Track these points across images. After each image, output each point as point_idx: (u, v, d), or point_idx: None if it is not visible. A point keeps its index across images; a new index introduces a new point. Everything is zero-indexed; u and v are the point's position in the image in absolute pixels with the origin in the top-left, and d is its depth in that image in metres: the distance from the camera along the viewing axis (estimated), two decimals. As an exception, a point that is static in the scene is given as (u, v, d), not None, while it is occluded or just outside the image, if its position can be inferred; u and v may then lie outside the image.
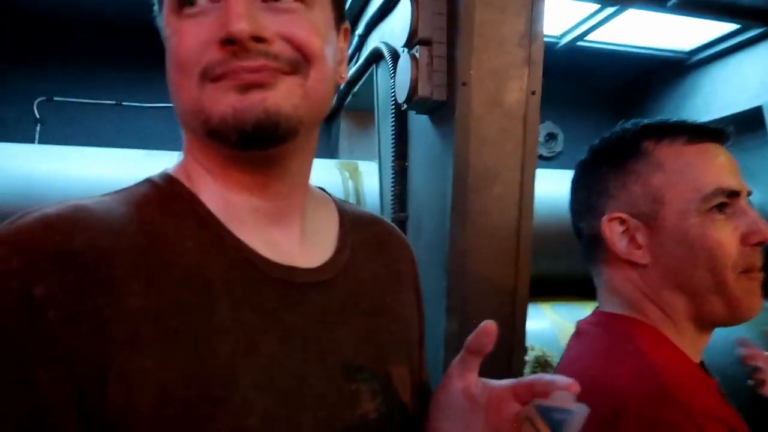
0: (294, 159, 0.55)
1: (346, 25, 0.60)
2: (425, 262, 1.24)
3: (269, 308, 0.50)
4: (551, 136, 2.46)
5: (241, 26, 0.46)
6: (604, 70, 2.48)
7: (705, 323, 0.79)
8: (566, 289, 2.04)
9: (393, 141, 1.35)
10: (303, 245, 0.57)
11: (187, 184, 0.54)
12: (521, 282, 1.13)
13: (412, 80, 1.16)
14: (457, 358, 0.56)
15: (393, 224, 0.71)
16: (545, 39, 2.21)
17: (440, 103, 1.16)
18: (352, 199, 1.70)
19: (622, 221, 0.81)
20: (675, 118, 0.84)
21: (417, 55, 1.16)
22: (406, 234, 1.32)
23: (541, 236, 1.71)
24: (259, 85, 0.48)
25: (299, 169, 0.57)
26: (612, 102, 2.61)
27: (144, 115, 2.14)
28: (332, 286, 0.56)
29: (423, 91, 1.15)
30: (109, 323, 0.43)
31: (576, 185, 0.90)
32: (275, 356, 0.49)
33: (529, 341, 1.52)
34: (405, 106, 1.23)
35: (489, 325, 0.52)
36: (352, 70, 1.79)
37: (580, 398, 0.73)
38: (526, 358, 1.50)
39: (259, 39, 0.48)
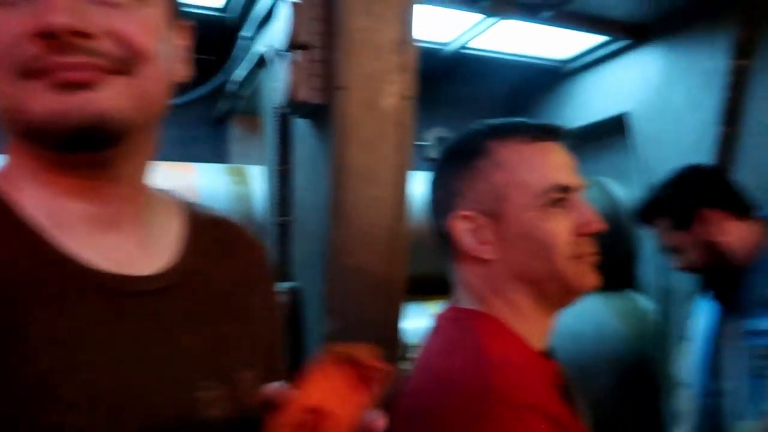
0: (127, 162, 0.53)
1: (185, 22, 0.59)
2: (309, 264, 1.26)
3: (93, 319, 0.48)
4: (441, 141, 2.55)
5: (61, 19, 0.43)
6: (490, 77, 2.60)
7: (546, 308, 0.84)
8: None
9: (277, 145, 1.35)
10: (142, 251, 0.54)
11: (5, 188, 0.50)
12: (397, 281, 1.17)
13: (291, 84, 1.17)
14: None
15: (246, 227, 0.69)
16: (431, 46, 2.29)
17: (319, 106, 1.18)
18: (240, 205, 1.69)
19: (470, 219, 0.83)
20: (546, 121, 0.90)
21: (296, 59, 1.17)
22: (288, 238, 1.33)
23: (427, 236, 1.78)
24: (83, 85, 0.46)
25: (134, 172, 0.55)
26: (498, 108, 2.75)
27: None
28: (175, 292, 0.54)
29: (302, 94, 1.16)
30: None
31: (432, 185, 0.93)
32: (100, 369, 0.46)
33: (414, 339, 1.56)
34: (286, 109, 1.24)
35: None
36: (241, 73, 1.77)
37: (424, 391, 0.77)
38: (410, 354, 1.54)
39: (82, 34, 0.45)
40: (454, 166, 0.88)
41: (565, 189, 0.82)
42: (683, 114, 2.05)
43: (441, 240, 0.89)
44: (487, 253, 0.83)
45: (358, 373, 0.47)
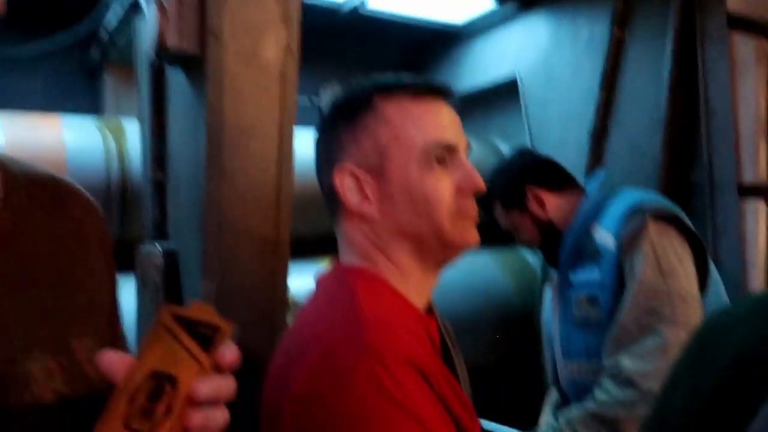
0: None
1: None
2: (184, 225, 1.19)
3: None
4: (337, 99, 2.51)
5: None
6: (390, 37, 2.58)
7: (428, 265, 0.85)
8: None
9: (150, 97, 1.25)
10: None
11: None
12: (282, 240, 1.13)
13: (158, 30, 1.07)
14: None
15: (76, 184, 0.63)
16: (329, 4, 2.23)
17: (193, 56, 1.10)
18: (116, 162, 1.57)
19: (354, 175, 0.83)
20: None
21: (163, 2, 1.08)
22: (166, 197, 1.25)
23: (318, 195, 1.75)
24: None
25: None
26: (396, 68, 2.74)
27: None
28: None
29: (172, 41, 1.07)
30: None
31: (317, 140, 0.92)
32: None
33: (300, 299, 1.55)
34: (157, 58, 1.14)
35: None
36: (115, 19, 1.62)
37: (299, 348, 0.76)
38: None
39: None
40: (339, 122, 0.86)
41: (449, 148, 0.82)
42: (568, 79, 2.14)
43: (326, 196, 0.88)
44: (369, 209, 0.82)
45: (196, 333, 0.45)
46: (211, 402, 0.45)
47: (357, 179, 0.83)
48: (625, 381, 1.26)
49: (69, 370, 0.50)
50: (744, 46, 1.75)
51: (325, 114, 0.91)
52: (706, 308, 1.36)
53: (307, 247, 1.83)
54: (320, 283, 0.88)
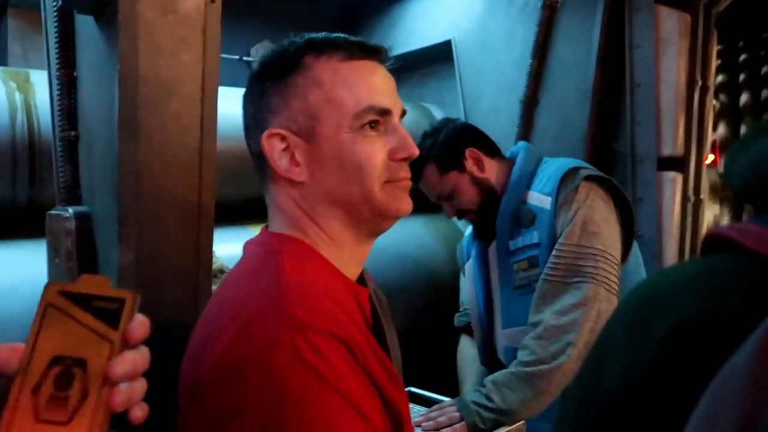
0: None
1: None
2: (99, 187, 1.11)
3: None
4: (268, 57, 2.41)
5: None
6: (323, -6, 2.49)
7: (361, 233, 0.83)
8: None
9: (57, 46, 1.14)
10: None
11: None
12: (206, 205, 1.08)
13: (64, -30, 0.97)
14: None
15: None
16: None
17: (104, 2, 1.00)
18: (22, 116, 1.43)
19: (282, 138, 0.79)
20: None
21: (69, -61, 0.97)
22: (78, 156, 1.16)
23: (246, 158, 1.69)
24: None
25: None
26: (327, 26, 2.66)
27: None
28: None
29: (80, -16, 0.98)
30: None
31: (245, 101, 0.87)
32: None
33: (229, 264, 1.50)
34: (63, 2, 1.04)
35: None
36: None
37: (219, 317, 0.73)
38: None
39: None
40: (268, 82, 0.82)
41: (383, 112, 0.80)
42: (502, 45, 2.15)
43: (255, 160, 0.84)
44: (299, 174, 0.79)
45: (93, 308, 0.41)
46: (130, 378, 0.43)
47: (286, 143, 0.79)
48: (545, 335, 1.30)
49: None
50: (669, 19, 1.80)
51: (254, 73, 0.86)
52: (627, 274, 1.42)
53: (233, 213, 1.77)
54: (247, 250, 0.85)
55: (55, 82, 1.18)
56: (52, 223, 1.14)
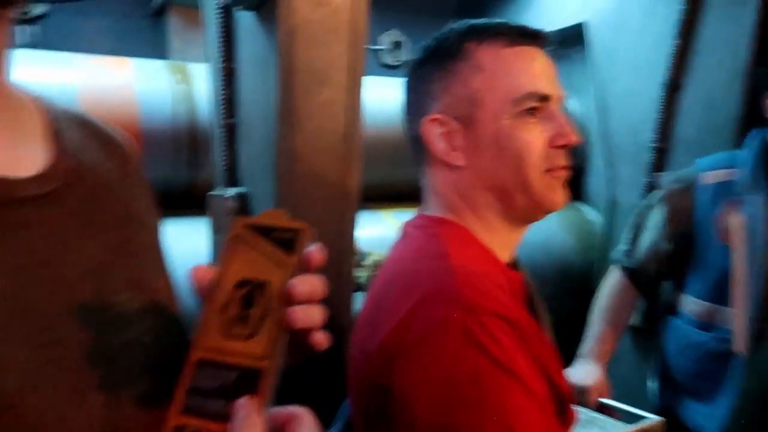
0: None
1: None
2: (255, 169, 1.21)
3: None
4: (397, 45, 2.45)
5: None
6: (448, -21, 2.48)
7: (514, 220, 0.83)
8: (410, 196, 2.14)
9: (220, 41, 1.25)
10: (9, 149, 0.45)
11: None
12: (351, 188, 1.14)
13: (232, -29, 1.06)
14: None
15: (107, 124, 0.60)
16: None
17: (265, -2, 1.08)
18: (183, 106, 1.58)
19: (442, 123, 0.80)
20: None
21: (237, -58, 1.06)
22: (235, 141, 1.26)
23: (384, 143, 1.74)
24: None
25: None
26: (457, 11, 2.64)
27: None
28: (60, 196, 0.46)
29: (245, -17, 1.06)
30: None
31: (406, 87, 0.89)
32: (9, 297, 0.40)
33: (368, 247, 1.56)
34: (228, 0, 1.14)
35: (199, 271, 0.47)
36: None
37: (387, 297, 0.76)
38: (365, 262, 1.55)
39: None
40: (430, 68, 0.83)
41: (543, 98, 0.78)
42: (640, 26, 2.02)
43: (413, 144, 0.86)
44: (457, 159, 0.80)
45: (274, 238, 0.46)
46: (307, 300, 0.45)
47: (446, 128, 0.80)
48: None
49: (155, 309, 0.50)
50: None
51: (415, 60, 0.89)
52: None
53: (373, 197, 1.83)
54: (405, 232, 0.87)
55: (216, 74, 1.29)
56: (213, 202, 1.26)
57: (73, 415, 0.41)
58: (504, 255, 0.83)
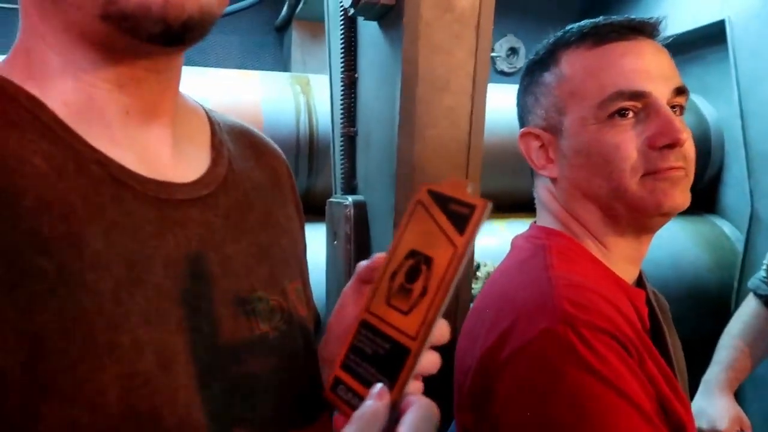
0: (180, 59, 0.50)
1: None
2: (374, 178, 1.21)
3: (149, 232, 0.44)
4: (513, 51, 2.39)
5: None
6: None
7: (623, 229, 0.77)
8: (524, 207, 2.06)
9: (342, 51, 1.27)
10: (176, 155, 0.50)
11: (21, 82, 0.44)
12: (470, 197, 1.10)
13: (357, -19, 1.07)
14: (350, 286, 0.54)
15: (263, 134, 0.66)
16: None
17: (389, 7, 1.08)
18: (304, 116, 1.64)
19: (536, 136, 0.80)
20: None
21: (361, -47, 1.07)
22: (355, 150, 1.28)
23: (499, 152, 1.69)
24: None
25: (178, 63, 0.51)
26: (576, 15, 2.53)
27: None
28: (214, 200, 0.50)
29: (370, -7, 1.07)
30: None
31: (516, 100, 0.90)
32: (162, 286, 0.44)
33: (482, 258, 1.52)
34: (352, 11, 1.15)
35: (379, 260, 0.48)
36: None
37: (489, 308, 0.73)
38: (479, 273, 1.51)
39: None
40: (528, 80, 0.84)
41: (634, 95, 0.72)
42: (793, 21, 1.82)
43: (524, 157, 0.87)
44: (553, 171, 0.79)
45: (450, 211, 0.43)
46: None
47: (539, 140, 0.80)
48: None
49: (285, 309, 0.52)
50: None
51: (522, 71, 0.90)
52: None
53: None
54: (514, 245, 0.86)
55: (337, 83, 1.31)
56: (332, 209, 1.28)
57: (196, 400, 0.43)
58: (624, 269, 0.78)
